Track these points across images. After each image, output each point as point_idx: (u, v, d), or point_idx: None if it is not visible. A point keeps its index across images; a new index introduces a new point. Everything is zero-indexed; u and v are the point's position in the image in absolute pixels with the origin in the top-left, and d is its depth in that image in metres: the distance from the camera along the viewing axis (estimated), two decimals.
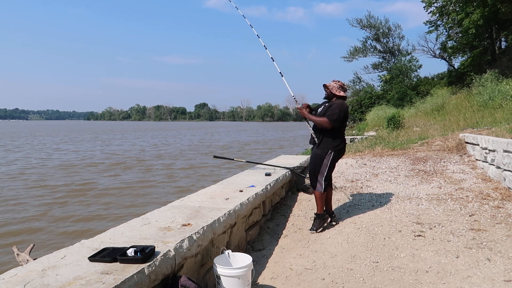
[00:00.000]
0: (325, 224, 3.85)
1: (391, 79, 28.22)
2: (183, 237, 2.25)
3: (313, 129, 3.82)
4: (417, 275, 2.74)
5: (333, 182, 5.66)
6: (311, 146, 3.94)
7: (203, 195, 3.54)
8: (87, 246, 2.10)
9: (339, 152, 3.76)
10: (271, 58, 4.30)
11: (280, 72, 4.17)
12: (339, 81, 3.77)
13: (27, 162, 16.60)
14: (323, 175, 3.72)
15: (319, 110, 3.82)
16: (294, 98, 4.17)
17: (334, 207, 4.54)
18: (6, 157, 18.55)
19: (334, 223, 3.96)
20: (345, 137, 3.97)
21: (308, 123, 3.88)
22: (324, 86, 3.80)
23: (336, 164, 3.90)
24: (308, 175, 4.20)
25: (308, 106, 3.93)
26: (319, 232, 3.74)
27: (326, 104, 3.76)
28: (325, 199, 3.86)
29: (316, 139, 3.74)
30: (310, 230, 3.78)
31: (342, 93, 3.72)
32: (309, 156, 4.07)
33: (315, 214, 3.86)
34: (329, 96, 3.77)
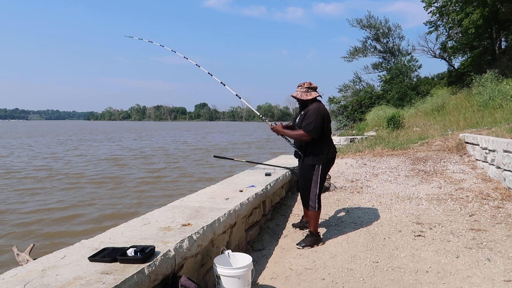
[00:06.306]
0: (316, 246, 3.36)
1: (391, 79, 28.18)
2: (183, 237, 2.25)
3: (294, 143, 3.47)
4: (417, 275, 2.74)
5: (333, 182, 5.69)
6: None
7: (203, 195, 3.54)
8: (87, 246, 2.10)
9: (329, 163, 3.37)
10: (221, 82, 4.14)
11: (236, 95, 4.13)
12: (304, 83, 3.31)
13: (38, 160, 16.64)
14: (316, 193, 3.31)
15: (297, 120, 3.41)
16: (262, 117, 3.92)
17: (334, 207, 4.54)
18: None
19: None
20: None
21: (286, 139, 3.56)
22: (296, 98, 3.35)
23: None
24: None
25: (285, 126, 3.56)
26: (306, 248, 3.31)
27: (302, 113, 3.33)
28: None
29: (300, 152, 3.37)
30: (297, 244, 3.36)
31: (313, 95, 3.27)
32: None
33: (309, 231, 3.44)
34: (303, 104, 3.34)
